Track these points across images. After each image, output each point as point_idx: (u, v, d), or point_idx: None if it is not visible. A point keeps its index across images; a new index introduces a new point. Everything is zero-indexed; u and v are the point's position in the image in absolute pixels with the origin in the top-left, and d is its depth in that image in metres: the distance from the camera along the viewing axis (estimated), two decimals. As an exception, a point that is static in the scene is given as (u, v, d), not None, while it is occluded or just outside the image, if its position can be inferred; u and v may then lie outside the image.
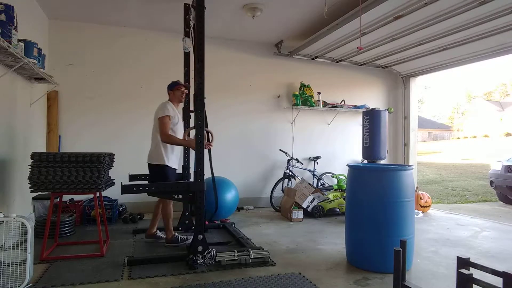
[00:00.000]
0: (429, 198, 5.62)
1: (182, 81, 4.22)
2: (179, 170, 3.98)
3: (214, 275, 2.74)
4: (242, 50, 5.80)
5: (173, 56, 5.15)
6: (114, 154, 3.61)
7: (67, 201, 4.50)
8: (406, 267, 2.11)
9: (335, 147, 6.36)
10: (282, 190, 5.61)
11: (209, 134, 3.44)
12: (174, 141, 3.38)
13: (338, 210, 5.13)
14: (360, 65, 6.28)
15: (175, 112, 3.52)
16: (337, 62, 6.08)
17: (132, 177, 3.91)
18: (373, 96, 6.67)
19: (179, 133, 3.55)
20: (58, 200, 3.40)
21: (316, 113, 6.22)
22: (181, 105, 3.93)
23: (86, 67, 5.02)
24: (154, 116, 3.51)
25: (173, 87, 3.61)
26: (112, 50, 5.15)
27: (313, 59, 5.93)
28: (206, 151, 3.17)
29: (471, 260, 1.76)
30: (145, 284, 2.58)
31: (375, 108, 5.99)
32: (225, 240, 3.69)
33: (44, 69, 3.82)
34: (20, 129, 3.81)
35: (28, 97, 4.04)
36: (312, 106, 5.94)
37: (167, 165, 3.41)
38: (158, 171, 3.43)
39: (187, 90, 3.67)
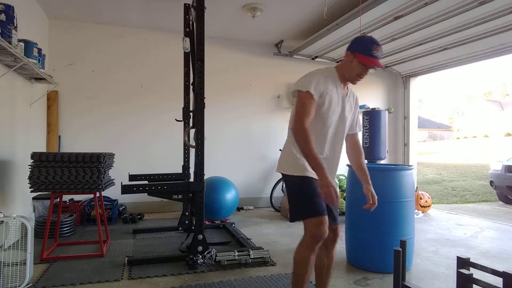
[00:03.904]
0: (429, 198, 5.61)
1: (180, 81, 4.21)
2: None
3: (214, 275, 2.74)
4: (242, 50, 5.80)
5: (173, 56, 5.16)
6: (114, 154, 3.61)
7: (67, 201, 4.50)
8: (406, 267, 2.11)
9: (335, 147, 6.35)
10: (282, 190, 5.60)
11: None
12: (303, 143, 1.77)
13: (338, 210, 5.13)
14: (360, 65, 6.27)
15: (329, 90, 1.90)
16: (337, 62, 6.08)
17: (132, 177, 3.91)
18: (373, 96, 6.66)
19: (330, 128, 1.97)
20: (58, 200, 3.40)
21: (316, 113, 6.20)
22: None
23: (86, 67, 5.02)
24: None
25: (359, 50, 1.89)
26: (112, 50, 5.15)
27: (313, 59, 5.93)
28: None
29: (471, 260, 1.77)
30: (145, 284, 2.58)
31: (375, 108, 5.99)
32: (225, 240, 3.69)
33: (44, 69, 3.82)
34: (20, 129, 3.81)
35: (28, 97, 4.04)
36: (312, 106, 5.93)
37: (306, 176, 1.92)
38: (293, 185, 1.97)
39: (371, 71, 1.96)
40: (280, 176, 5.92)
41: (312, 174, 1.84)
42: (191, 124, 3.77)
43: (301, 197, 1.91)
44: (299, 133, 1.78)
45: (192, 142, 3.16)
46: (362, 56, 1.87)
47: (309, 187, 1.88)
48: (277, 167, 2.10)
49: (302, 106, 1.84)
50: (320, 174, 1.71)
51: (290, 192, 2.00)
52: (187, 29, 3.85)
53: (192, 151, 3.24)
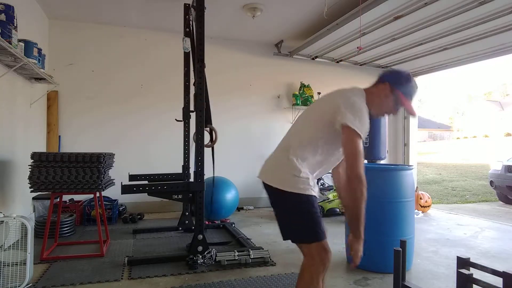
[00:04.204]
0: (429, 198, 5.62)
1: (182, 81, 4.21)
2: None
3: (214, 275, 2.74)
4: (242, 50, 5.80)
5: (173, 56, 5.16)
6: (114, 154, 3.61)
7: (67, 201, 4.50)
8: (406, 267, 2.11)
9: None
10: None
11: (213, 132, 3.41)
12: (360, 200, 1.66)
13: (338, 210, 5.13)
14: (360, 65, 6.28)
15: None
16: (337, 62, 6.08)
17: (132, 177, 3.91)
18: (373, 96, 6.66)
19: (330, 159, 1.82)
20: (58, 200, 3.40)
21: (316, 113, 6.20)
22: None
23: (86, 67, 5.02)
24: (328, 105, 1.75)
25: (403, 89, 1.75)
26: (112, 50, 5.15)
27: (313, 59, 5.93)
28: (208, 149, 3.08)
29: (471, 260, 1.77)
30: (145, 284, 2.58)
31: (375, 108, 5.99)
32: (225, 240, 3.69)
33: (44, 69, 3.82)
34: (20, 129, 3.81)
35: (28, 97, 4.04)
36: (312, 106, 5.93)
37: (312, 195, 1.71)
38: (300, 203, 1.69)
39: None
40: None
41: (314, 193, 1.71)
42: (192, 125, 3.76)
43: (311, 217, 1.67)
44: (360, 188, 1.61)
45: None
46: (404, 96, 1.74)
47: (316, 206, 1.70)
48: (270, 180, 1.74)
49: (359, 153, 1.60)
50: (360, 234, 1.66)
51: (294, 211, 1.70)
52: (187, 29, 3.85)
53: (192, 152, 3.24)
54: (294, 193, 1.67)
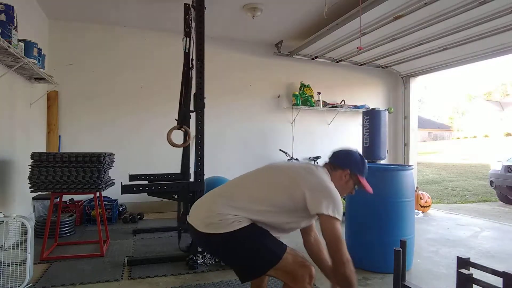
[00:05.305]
0: (429, 198, 5.61)
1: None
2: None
3: (214, 275, 2.74)
4: (242, 50, 5.80)
5: (173, 56, 5.15)
6: (114, 154, 3.61)
7: (67, 201, 4.50)
8: (406, 267, 2.11)
9: (335, 147, 6.34)
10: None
11: (187, 133, 3.38)
12: (353, 282, 1.62)
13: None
14: (360, 65, 6.28)
15: None
16: (337, 62, 6.08)
17: (132, 177, 3.91)
18: (373, 96, 6.66)
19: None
20: (58, 200, 3.40)
21: (316, 113, 6.21)
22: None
23: (86, 67, 5.02)
24: (293, 184, 1.71)
25: (361, 172, 1.94)
26: (112, 50, 5.14)
27: (313, 59, 5.93)
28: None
29: (471, 260, 1.77)
30: (145, 284, 2.58)
31: (375, 108, 5.99)
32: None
33: (44, 69, 3.82)
34: (20, 129, 3.81)
35: (28, 97, 4.04)
36: (312, 106, 5.94)
37: (253, 222, 1.66)
38: (248, 236, 1.64)
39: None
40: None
41: (248, 222, 1.64)
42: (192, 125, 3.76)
43: (261, 242, 1.64)
44: (350, 270, 1.61)
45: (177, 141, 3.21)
46: (362, 178, 1.90)
47: (258, 229, 1.66)
48: (211, 228, 1.62)
49: (340, 238, 1.63)
50: None
51: (245, 247, 1.63)
52: (187, 29, 3.84)
53: (192, 152, 3.25)
54: (238, 229, 1.59)
